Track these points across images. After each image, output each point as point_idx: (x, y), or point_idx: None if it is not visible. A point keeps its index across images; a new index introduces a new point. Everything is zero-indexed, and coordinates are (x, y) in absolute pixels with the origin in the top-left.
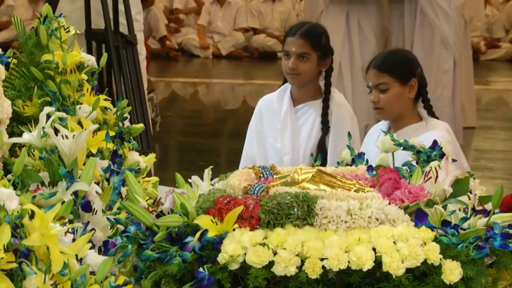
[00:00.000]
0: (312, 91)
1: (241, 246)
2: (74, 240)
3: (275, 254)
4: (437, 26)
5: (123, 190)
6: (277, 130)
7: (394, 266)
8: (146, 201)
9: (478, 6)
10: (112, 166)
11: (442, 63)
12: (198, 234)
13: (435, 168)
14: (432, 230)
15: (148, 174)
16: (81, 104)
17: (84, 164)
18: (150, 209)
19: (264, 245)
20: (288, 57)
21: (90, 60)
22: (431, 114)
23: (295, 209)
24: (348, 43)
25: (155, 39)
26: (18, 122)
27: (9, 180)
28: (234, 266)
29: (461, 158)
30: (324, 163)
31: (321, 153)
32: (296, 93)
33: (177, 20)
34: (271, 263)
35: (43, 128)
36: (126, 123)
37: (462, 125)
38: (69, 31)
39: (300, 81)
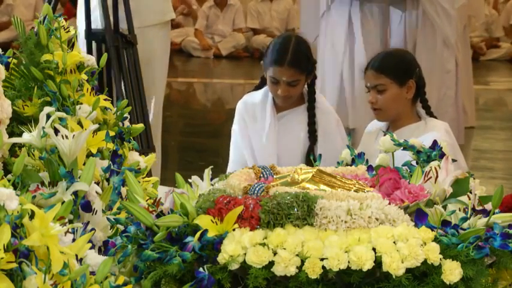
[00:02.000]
0: (295, 99)
1: (241, 246)
2: (74, 240)
3: (275, 254)
4: (439, 26)
5: (123, 190)
6: (262, 139)
7: (394, 266)
8: (146, 201)
9: (478, 6)
10: (112, 166)
11: (445, 63)
12: (198, 234)
13: (435, 168)
14: (432, 230)
15: (149, 174)
16: (81, 104)
17: (84, 164)
18: (150, 209)
19: (264, 245)
20: (277, 83)
21: (90, 60)
22: (430, 114)
23: (295, 209)
24: (350, 44)
25: None
26: (18, 122)
27: (9, 180)
28: (234, 266)
29: (460, 159)
30: None
31: (310, 163)
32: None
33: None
34: (271, 263)
35: (43, 128)
36: (126, 123)
37: (464, 125)
38: (69, 31)
39: (290, 102)
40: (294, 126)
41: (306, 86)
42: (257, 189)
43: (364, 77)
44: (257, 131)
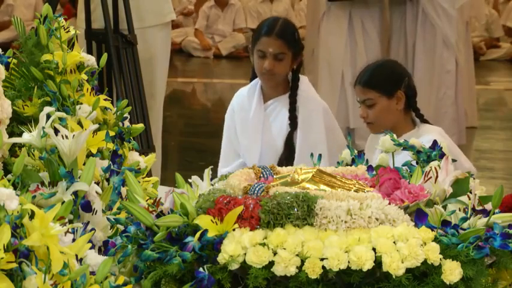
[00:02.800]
0: (281, 86)
1: (241, 246)
2: (74, 240)
3: (275, 254)
4: (439, 26)
5: (123, 190)
6: (248, 128)
7: (394, 266)
8: (146, 201)
9: (479, 6)
10: (112, 166)
11: (444, 63)
12: (198, 234)
13: (435, 168)
14: (432, 230)
15: (149, 174)
16: (81, 104)
17: (84, 164)
18: (150, 209)
19: (264, 245)
20: (264, 57)
21: (90, 60)
22: (425, 121)
23: (295, 209)
24: (350, 45)
25: None
26: (18, 122)
27: (9, 180)
28: (234, 266)
29: (462, 159)
30: (291, 159)
31: (289, 150)
32: (266, 89)
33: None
34: (271, 263)
35: (43, 128)
36: (126, 123)
37: (465, 125)
38: (69, 31)
39: (274, 81)
40: (278, 114)
41: (291, 73)
42: (257, 189)
43: (354, 92)
44: (243, 118)
